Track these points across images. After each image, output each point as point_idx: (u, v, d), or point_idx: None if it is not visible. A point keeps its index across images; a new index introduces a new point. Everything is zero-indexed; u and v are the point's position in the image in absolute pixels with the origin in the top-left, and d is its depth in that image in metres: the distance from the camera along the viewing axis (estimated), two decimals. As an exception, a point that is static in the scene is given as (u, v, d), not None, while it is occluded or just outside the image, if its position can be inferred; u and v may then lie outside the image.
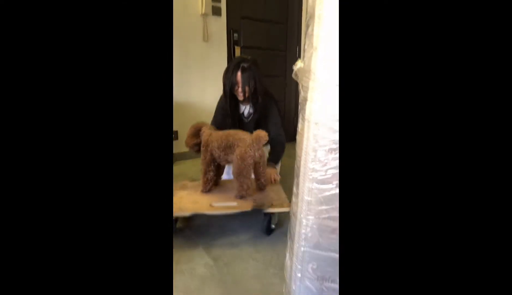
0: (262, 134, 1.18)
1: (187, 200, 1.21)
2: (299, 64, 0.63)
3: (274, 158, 1.52)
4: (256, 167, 1.23)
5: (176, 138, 2.28)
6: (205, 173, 1.27)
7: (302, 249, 0.64)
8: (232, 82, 1.42)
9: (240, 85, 1.42)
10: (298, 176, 0.65)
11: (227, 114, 1.57)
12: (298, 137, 0.65)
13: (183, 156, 2.33)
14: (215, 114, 1.66)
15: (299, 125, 0.65)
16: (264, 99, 1.49)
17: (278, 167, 1.60)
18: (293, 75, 0.65)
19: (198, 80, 2.30)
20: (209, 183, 1.28)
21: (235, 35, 2.41)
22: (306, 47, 0.58)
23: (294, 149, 0.69)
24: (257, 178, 1.27)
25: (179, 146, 2.31)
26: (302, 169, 0.61)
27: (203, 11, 2.14)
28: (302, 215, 0.62)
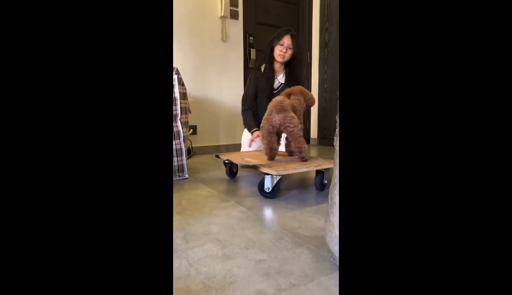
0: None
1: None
2: None
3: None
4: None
5: (195, 132, 2.33)
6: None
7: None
8: (279, 39, 1.63)
9: (285, 45, 1.63)
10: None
11: (258, 86, 1.75)
12: None
13: (201, 150, 2.37)
14: (247, 87, 1.82)
15: None
16: (299, 68, 1.75)
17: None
18: None
19: (216, 78, 2.41)
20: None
21: (251, 38, 2.56)
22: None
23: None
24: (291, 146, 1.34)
25: (198, 140, 2.36)
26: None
27: (222, 14, 2.31)
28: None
